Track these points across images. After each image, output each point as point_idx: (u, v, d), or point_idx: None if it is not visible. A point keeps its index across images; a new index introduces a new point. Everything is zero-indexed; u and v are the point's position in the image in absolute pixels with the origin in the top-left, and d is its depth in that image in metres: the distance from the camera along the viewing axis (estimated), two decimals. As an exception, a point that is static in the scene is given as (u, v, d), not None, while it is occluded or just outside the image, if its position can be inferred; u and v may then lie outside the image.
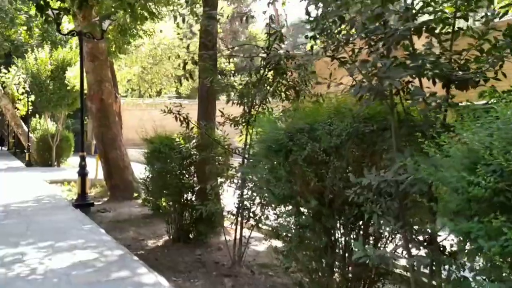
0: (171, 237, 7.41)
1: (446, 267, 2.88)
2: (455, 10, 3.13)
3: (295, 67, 5.42)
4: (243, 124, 6.00)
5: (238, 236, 5.98)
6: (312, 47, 4.04)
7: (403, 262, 3.19)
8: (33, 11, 24.91)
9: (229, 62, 5.58)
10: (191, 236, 7.32)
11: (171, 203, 7.21)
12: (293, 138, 3.65)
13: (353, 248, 3.77)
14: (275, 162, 3.78)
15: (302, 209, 3.82)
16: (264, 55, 5.70)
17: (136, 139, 17.52)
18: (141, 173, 9.97)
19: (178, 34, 8.59)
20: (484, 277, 2.24)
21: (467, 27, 3.17)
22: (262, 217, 5.67)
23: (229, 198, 6.21)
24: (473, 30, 3.13)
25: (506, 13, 3.18)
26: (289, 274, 4.29)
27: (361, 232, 3.58)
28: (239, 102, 6.14)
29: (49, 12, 7.59)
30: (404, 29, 3.09)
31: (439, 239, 2.99)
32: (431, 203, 2.61)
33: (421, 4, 3.17)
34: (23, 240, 6.84)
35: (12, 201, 10.83)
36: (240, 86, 6.22)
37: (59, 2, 7.71)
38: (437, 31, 3.22)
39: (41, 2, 7.33)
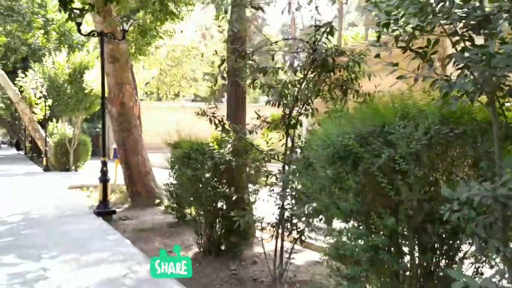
0: (201, 249, 6.90)
1: None
2: None
3: (344, 63, 4.88)
4: (284, 127, 5.48)
5: (278, 250, 5.45)
6: (379, 36, 3.49)
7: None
8: (50, 15, 24.85)
9: (272, 59, 5.00)
10: (222, 248, 6.81)
11: (201, 212, 6.70)
12: (364, 143, 3.11)
13: (434, 273, 3.22)
14: (341, 171, 3.24)
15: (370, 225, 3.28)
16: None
17: (152, 143, 17.28)
18: (166, 179, 9.62)
19: (219, 26, 8.13)
20: None
21: None
22: (306, 230, 5.16)
23: (263, 207, 5.69)
24: None
25: None
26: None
27: (454, 256, 3.01)
28: (277, 103, 5.62)
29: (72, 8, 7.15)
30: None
31: None
32: None
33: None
34: (45, 252, 6.39)
35: (32, 209, 10.44)
36: (278, 86, 5.69)
37: None
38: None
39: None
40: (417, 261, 3.20)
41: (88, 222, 8.84)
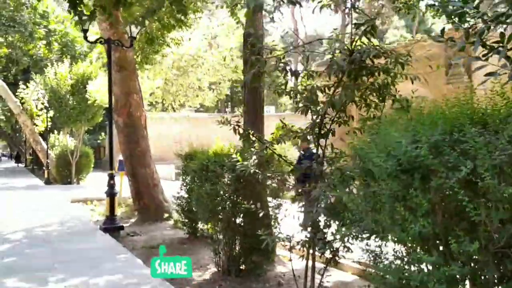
0: (219, 268, 6.39)
1: None
2: None
3: (382, 65, 4.42)
4: (314, 136, 5.01)
5: (309, 270, 4.94)
6: (443, 30, 3.03)
7: None
8: (52, 25, 24.52)
9: (307, 61, 4.55)
10: (242, 267, 6.30)
11: (219, 229, 6.20)
12: (437, 154, 2.63)
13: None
14: (407, 187, 2.76)
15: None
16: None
17: (156, 155, 16.75)
18: (173, 192, 9.13)
19: (238, 21, 7.75)
20: None
21: None
22: (342, 250, 4.66)
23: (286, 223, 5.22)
24: None
25: None
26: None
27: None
28: (306, 110, 5.16)
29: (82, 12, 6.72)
30: None
31: None
32: None
33: None
34: (52, 275, 5.88)
35: (35, 225, 9.93)
36: (306, 91, 5.23)
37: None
38: None
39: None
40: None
41: (95, 239, 8.33)
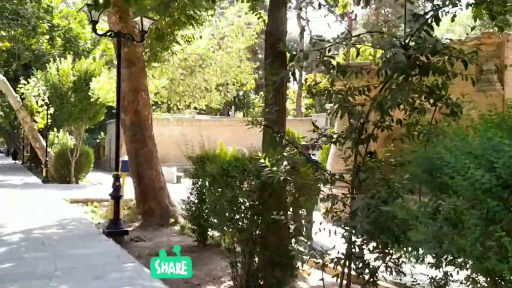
0: (236, 283, 5.84)
1: None
2: None
3: (440, 64, 3.91)
4: (353, 142, 4.49)
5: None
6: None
7: None
8: (55, 20, 24.00)
9: (357, 55, 4.05)
10: (262, 283, 5.76)
11: (238, 240, 5.67)
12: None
13: None
14: (505, 206, 2.25)
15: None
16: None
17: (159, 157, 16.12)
18: (178, 196, 8.61)
19: (259, 17, 7.27)
20: None
21: None
22: (384, 271, 4.14)
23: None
24: None
25: None
26: None
27: None
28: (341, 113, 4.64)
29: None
30: None
31: None
32: None
33: None
34: (53, 284, 5.34)
35: (33, 226, 9.37)
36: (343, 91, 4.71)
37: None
38: None
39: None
40: None
41: (99, 244, 7.78)
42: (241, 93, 42.56)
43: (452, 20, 5.19)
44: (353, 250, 4.27)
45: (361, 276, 4.36)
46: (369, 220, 4.04)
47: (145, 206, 10.52)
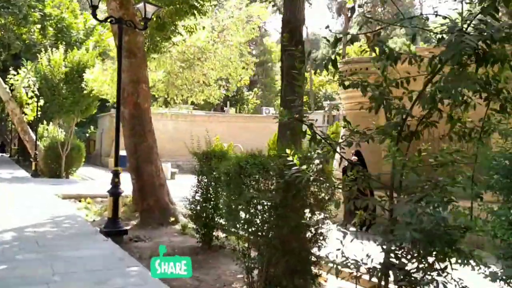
0: (252, 291, 5.38)
1: None
2: None
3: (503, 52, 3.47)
4: (391, 139, 4.04)
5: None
6: None
7: None
8: (47, 10, 23.21)
9: (413, 40, 3.59)
10: (278, 290, 5.31)
11: (256, 244, 5.20)
12: None
13: None
14: None
15: None
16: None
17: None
18: (190, 195, 8.11)
19: (274, 4, 6.86)
20: None
21: None
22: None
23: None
24: None
25: None
26: None
27: None
28: (376, 106, 4.18)
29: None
30: None
31: None
32: None
33: None
34: (52, 291, 4.83)
35: (25, 223, 8.81)
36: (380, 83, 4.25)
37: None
38: None
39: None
40: None
41: (97, 245, 7.25)
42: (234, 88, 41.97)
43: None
44: (393, 259, 3.84)
45: (401, 288, 3.93)
46: (416, 227, 3.59)
47: (143, 204, 9.99)
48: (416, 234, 3.55)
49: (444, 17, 3.44)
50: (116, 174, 8.34)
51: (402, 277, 3.83)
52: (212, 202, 7.79)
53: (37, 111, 22.87)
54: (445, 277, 3.58)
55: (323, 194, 4.93)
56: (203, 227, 7.84)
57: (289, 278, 5.12)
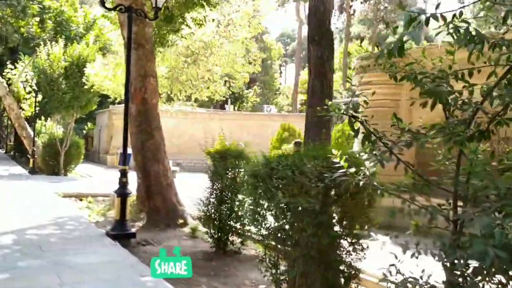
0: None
1: None
2: None
3: None
4: (456, 139, 3.54)
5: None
6: None
7: None
8: (46, 2, 22.59)
9: (504, 20, 3.03)
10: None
11: (289, 255, 4.69)
12: None
13: None
14: None
15: None
16: None
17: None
18: (204, 197, 7.60)
19: None
20: None
21: None
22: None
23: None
24: None
25: None
26: None
27: None
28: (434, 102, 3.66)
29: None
30: None
31: None
32: None
33: None
34: (61, 305, 4.31)
35: (26, 225, 8.28)
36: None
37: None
38: None
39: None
40: None
41: (105, 250, 6.73)
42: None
43: None
44: (458, 278, 3.34)
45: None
46: (495, 243, 3.09)
47: (150, 204, 9.48)
48: (501, 252, 3.05)
49: None
50: (124, 174, 7.82)
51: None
52: (227, 205, 7.31)
53: (35, 107, 22.27)
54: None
55: (365, 200, 4.45)
56: (218, 231, 7.34)
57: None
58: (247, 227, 7.44)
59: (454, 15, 3.21)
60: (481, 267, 3.32)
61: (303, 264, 4.45)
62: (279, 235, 4.63)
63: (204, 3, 10.73)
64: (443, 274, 3.22)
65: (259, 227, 4.99)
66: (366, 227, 4.47)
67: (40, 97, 22.08)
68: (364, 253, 4.54)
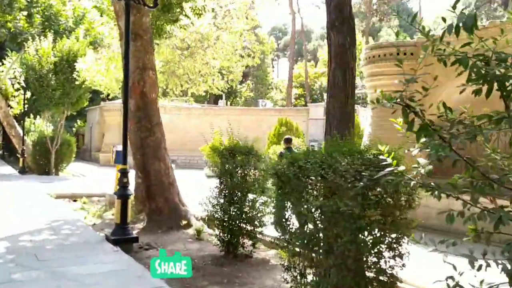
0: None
1: None
2: None
3: None
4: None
5: None
6: None
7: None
8: (34, -4, 21.73)
9: None
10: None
11: (314, 262, 4.19)
12: None
13: None
14: None
15: None
16: None
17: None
18: (213, 197, 7.08)
19: None
20: None
21: None
22: None
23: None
24: None
25: None
26: None
27: None
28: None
29: None
30: None
31: None
32: None
33: None
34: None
35: (19, 230, 7.70)
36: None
37: None
38: None
39: None
40: None
41: (107, 257, 6.18)
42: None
43: None
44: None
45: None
46: None
47: (151, 205, 8.93)
48: None
49: None
50: (124, 174, 7.26)
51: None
52: (237, 205, 6.80)
53: (24, 104, 21.53)
54: None
55: (403, 201, 3.96)
56: (228, 234, 6.83)
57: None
58: (257, 229, 6.97)
59: None
60: None
61: (337, 275, 3.95)
62: (307, 241, 4.13)
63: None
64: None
65: (283, 232, 4.50)
66: (406, 231, 3.98)
67: (29, 94, 21.40)
68: (403, 261, 4.05)
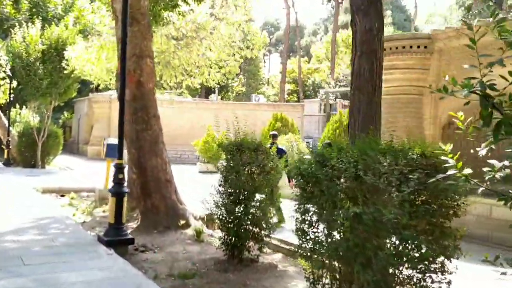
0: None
1: None
2: None
3: None
4: None
5: None
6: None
7: None
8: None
9: None
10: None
11: (335, 274, 3.67)
12: None
13: None
14: None
15: None
16: None
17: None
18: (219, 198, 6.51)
19: None
20: None
21: None
22: None
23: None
24: None
25: None
26: None
27: None
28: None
29: None
30: None
31: None
32: None
33: None
34: None
35: (3, 229, 7.05)
36: None
37: None
38: None
39: None
40: None
41: (101, 262, 5.58)
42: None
43: None
44: None
45: None
46: None
47: (146, 203, 8.32)
48: None
49: None
50: (120, 169, 6.66)
51: None
52: (243, 206, 6.25)
53: (9, 94, 20.66)
54: None
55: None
56: (233, 236, 6.27)
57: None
58: (264, 232, 6.44)
59: None
60: None
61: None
62: (339, 252, 3.60)
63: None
64: None
65: (304, 239, 3.96)
66: (454, 243, 3.46)
67: (15, 84, 20.54)
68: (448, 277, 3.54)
